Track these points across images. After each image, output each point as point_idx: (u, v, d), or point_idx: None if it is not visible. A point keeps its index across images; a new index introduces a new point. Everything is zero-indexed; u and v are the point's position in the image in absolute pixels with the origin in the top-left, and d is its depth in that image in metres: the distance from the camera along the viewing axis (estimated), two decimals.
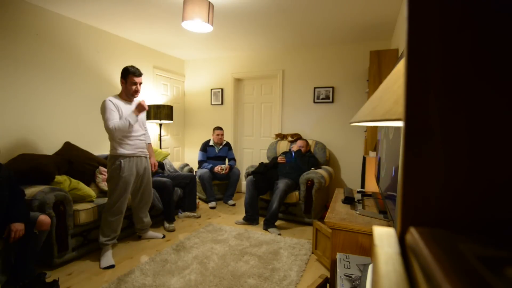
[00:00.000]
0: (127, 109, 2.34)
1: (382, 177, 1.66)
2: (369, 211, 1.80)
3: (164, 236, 2.77)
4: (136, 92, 2.37)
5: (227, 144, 4.11)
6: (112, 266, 2.18)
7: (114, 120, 2.21)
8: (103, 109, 2.22)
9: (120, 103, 2.31)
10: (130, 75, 2.32)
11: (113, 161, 2.28)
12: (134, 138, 2.37)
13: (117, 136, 2.26)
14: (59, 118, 2.87)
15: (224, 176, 3.84)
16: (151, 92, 4.09)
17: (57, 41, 2.83)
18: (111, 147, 2.31)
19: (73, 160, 2.59)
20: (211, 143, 4.04)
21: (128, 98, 2.39)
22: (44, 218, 1.91)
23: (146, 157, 2.51)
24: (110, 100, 2.25)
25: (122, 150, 2.29)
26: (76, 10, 2.77)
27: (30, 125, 2.64)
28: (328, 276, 1.72)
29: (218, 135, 3.96)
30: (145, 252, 2.45)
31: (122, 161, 2.28)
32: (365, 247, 1.57)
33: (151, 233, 2.75)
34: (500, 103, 0.25)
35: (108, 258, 2.24)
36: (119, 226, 2.37)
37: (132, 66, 2.34)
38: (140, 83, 2.38)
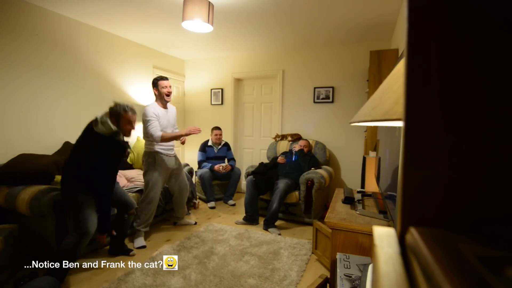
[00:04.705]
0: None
1: (382, 177, 1.66)
2: (369, 211, 1.80)
3: (196, 223, 3.14)
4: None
5: (226, 144, 4.11)
6: (144, 247, 2.51)
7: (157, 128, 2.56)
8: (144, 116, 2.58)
9: None
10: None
11: (148, 156, 2.61)
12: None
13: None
14: (59, 118, 2.87)
15: (224, 175, 3.85)
16: (151, 92, 4.08)
17: (57, 41, 2.83)
18: (146, 144, 2.63)
19: None
20: (209, 143, 4.04)
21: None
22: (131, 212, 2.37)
23: (175, 156, 2.82)
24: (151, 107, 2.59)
25: (156, 148, 2.59)
26: (76, 10, 2.77)
27: (30, 125, 2.63)
28: (328, 276, 1.72)
29: (216, 135, 3.97)
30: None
31: (155, 156, 2.59)
32: (365, 247, 1.56)
33: (185, 220, 3.12)
34: (500, 102, 0.25)
35: (140, 240, 2.57)
36: (152, 215, 2.67)
37: None
38: None
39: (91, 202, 1.97)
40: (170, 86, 2.66)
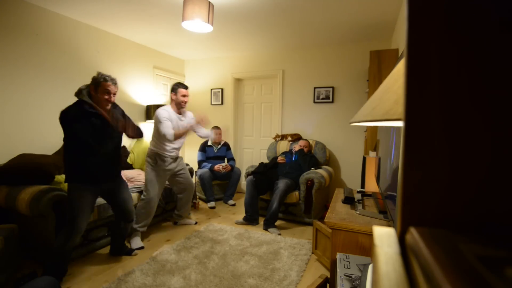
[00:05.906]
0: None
1: (382, 177, 1.66)
2: (369, 211, 1.80)
3: (196, 223, 3.14)
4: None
5: (226, 144, 4.12)
6: (141, 248, 2.50)
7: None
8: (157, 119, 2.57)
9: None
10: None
11: (149, 156, 2.63)
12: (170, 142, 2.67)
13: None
14: None
15: (224, 175, 3.84)
16: (151, 92, 4.09)
17: (57, 41, 2.83)
18: (151, 144, 2.65)
19: None
20: (209, 142, 4.05)
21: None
22: None
23: (177, 157, 2.81)
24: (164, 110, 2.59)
25: (157, 149, 2.61)
26: (76, 10, 2.77)
27: (30, 125, 2.63)
28: (328, 276, 1.72)
29: (216, 134, 3.98)
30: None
31: (155, 157, 2.61)
32: (365, 247, 1.57)
33: (185, 220, 3.13)
34: (500, 102, 0.25)
35: (137, 241, 2.54)
36: (151, 215, 2.65)
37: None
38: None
39: (85, 199, 1.93)
40: (188, 96, 2.71)
